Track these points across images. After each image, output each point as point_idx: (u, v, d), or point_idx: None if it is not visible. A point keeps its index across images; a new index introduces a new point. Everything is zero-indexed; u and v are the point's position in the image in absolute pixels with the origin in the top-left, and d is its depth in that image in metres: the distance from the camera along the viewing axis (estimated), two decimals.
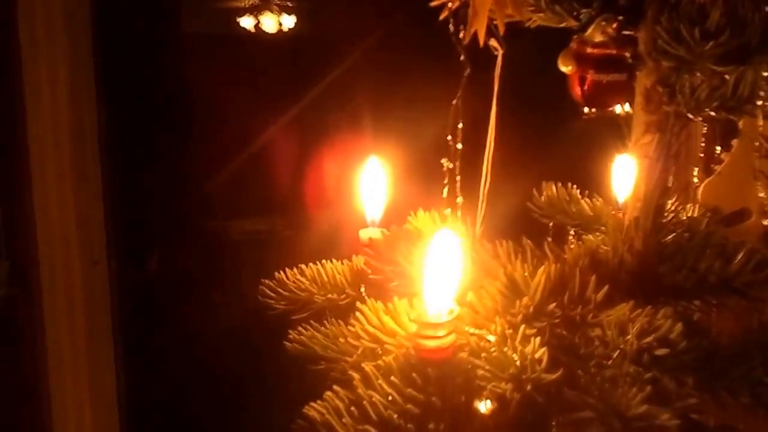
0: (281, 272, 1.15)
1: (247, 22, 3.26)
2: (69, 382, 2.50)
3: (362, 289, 1.10)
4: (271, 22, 3.25)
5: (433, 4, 1.02)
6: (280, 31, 3.27)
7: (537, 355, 0.87)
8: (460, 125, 1.08)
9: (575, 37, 1.00)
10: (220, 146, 3.13)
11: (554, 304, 0.92)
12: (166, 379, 2.87)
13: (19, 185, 2.38)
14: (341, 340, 1.02)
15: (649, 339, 0.88)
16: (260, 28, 3.25)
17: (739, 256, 0.97)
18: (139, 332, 2.76)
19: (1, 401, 2.46)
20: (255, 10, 3.38)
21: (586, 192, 1.27)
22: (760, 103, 0.90)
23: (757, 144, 1.19)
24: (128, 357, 2.67)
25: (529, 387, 0.85)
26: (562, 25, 1.02)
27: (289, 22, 3.28)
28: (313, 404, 0.86)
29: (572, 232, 1.21)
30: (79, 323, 2.49)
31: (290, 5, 3.41)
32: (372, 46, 3.03)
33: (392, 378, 0.87)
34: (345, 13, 3.21)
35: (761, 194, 1.12)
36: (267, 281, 1.15)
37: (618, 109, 1.07)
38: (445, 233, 0.87)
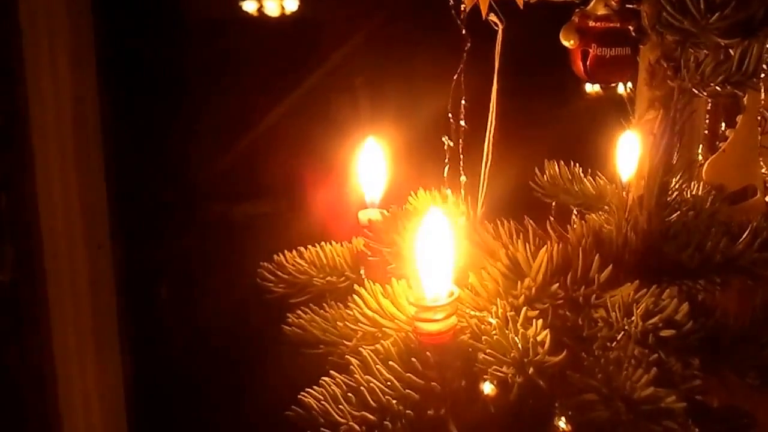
0: (280, 255, 1.14)
1: (249, 5, 3.25)
2: (75, 366, 2.50)
3: (362, 272, 1.08)
4: (273, 6, 3.23)
5: None
6: (282, 14, 3.25)
7: (539, 338, 0.86)
8: (463, 102, 1.07)
9: (577, 10, 0.98)
10: (223, 130, 3.11)
11: (557, 285, 0.91)
12: (172, 362, 2.87)
13: (22, 171, 2.38)
14: (340, 323, 1.00)
15: (654, 320, 0.86)
16: (263, 12, 3.24)
17: (745, 235, 0.95)
18: (144, 316, 2.76)
19: (7, 385, 2.46)
20: None
21: (589, 170, 1.25)
22: (762, 76, 0.88)
23: (759, 119, 1.17)
24: (134, 340, 2.67)
25: (531, 370, 0.83)
26: None
27: (291, 5, 3.26)
28: (309, 390, 0.85)
29: (575, 212, 1.20)
30: (84, 307, 2.49)
31: None
32: (374, 28, 3.01)
33: (391, 363, 0.86)
34: None
35: (764, 170, 1.10)
36: (266, 264, 1.14)
37: (621, 88, 1.06)
38: (435, 213, 0.86)
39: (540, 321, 0.88)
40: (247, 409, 2.82)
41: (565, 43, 0.99)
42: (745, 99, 1.23)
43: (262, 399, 2.70)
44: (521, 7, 0.97)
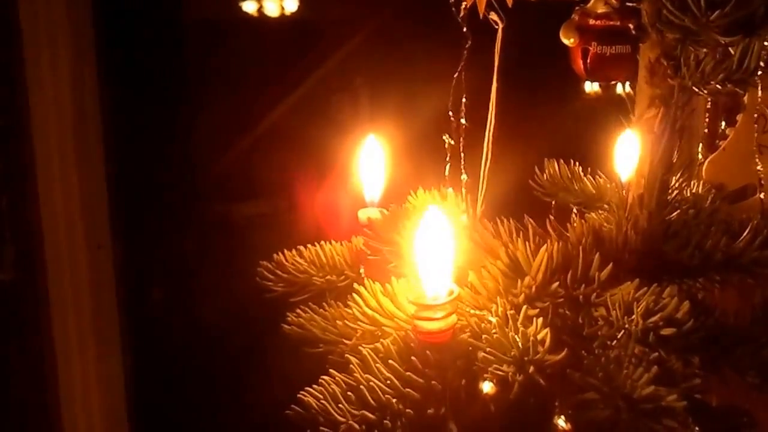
0: (279, 254, 1.13)
1: (249, 6, 3.25)
2: (76, 365, 2.50)
3: (361, 270, 1.08)
4: (273, 6, 3.24)
5: None
6: (282, 14, 3.25)
7: (540, 336, 0.86)
8: (464, 100, 1.06)
9: (577, 8, 0.98)
10: (223, 130, 3.11)
11: (557, 283, 0.91)
12: (172, 361, 2.87)
13: (23, 171, 2.38)
14: (340, 322, 1.00)
15: (654, 318, 0.86)
16: (263, 12, 3.24)
17: (745, 233, 0.95)
18: (144, 315, 2.76)
19: (9, 385, 2.46)
20: None
21: (589, 169, 1.24)
22: (760, 73, 0.87)
23: (756, 116, 1.16)
24: (134, 339, 2.67)
25: (531, 369, 0.83)
26: None
27: (291, 5, 3.26)
28: (309, 389, 0.85)
29: (575, 210, 1.19)
30: (84, 306, 2.49)
31: None
32: (374, 27, 3.01)
33: (390, 361, 0.86)
34: None
35: (759, 167, 1.10)
36: (265, 263, 1.13)
37: (620, 88, 1.05)
38: (434, 211, 0.85)
39: (540, 320, 0.88)
40: (247, 407, 2.82)
41: (565, 42, 0.98)
42: (745, 97, 1.23)
43: (262, 397, 2.70)
44: (509, 5, 0.97)
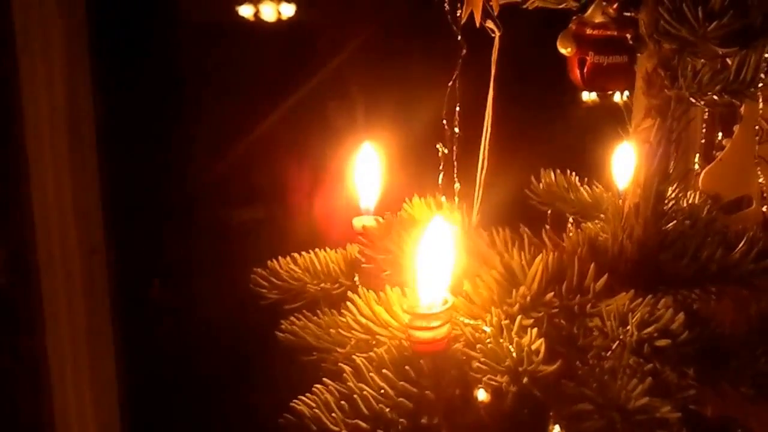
0: (273, 261, 1.13)
1: (246, 10, 3.25)
2: (69, 370, 2.49)
3: (356, 279, 1.07)
4: (270, 11, 3.24)
5: None
6: (279, 19, 3.26)
7: (534, 347, 0.85)
8: (458, 108, 1.06)
9: (575, 18, 0.98)
10: (218, 135, 3.12)
11: (552, 293, 0.90)
12: (165, 367, 2.87)
13: (16, 174, 2.37)
14: (334, 330, 1.00)
15: (649, 329, 0.86)
16: (259, 17, 3.25)
17: (741, 245, 0.95)
18: (138, 320, 2.76)
19: (2, 390, 2.45)
20: None
21: (585, 179, 1.24)
22: (761, 85, 0.87)
23: (757, 128, 1.16)
24: (127, 344, 2.67)
25: (526, 379, 0.83)
26: (561, 6, 0.99)
27: (288, 10, 3.27)
28: (301, 397, 0.84)
29: (571, 220, 1.19)
30: (78, 311, 2.49)
31: None
32: (370, 34, 3.02)
33: (384, 371, 0.85)
34: (343, 1, 3.20)
35: (761, 180, 1.10)
36: (259, 270, 1.13)
37: (617, 97, 1.05)
38: (438, 221, 0.85)
39: (535, 330, 0.87)
40: (239, 414, 2.81)
41: (562, 51, 0.98)
42: (742, 108, 1.23)
43: (255, 405, 2.70)
44: (496, 12, 0.97)
